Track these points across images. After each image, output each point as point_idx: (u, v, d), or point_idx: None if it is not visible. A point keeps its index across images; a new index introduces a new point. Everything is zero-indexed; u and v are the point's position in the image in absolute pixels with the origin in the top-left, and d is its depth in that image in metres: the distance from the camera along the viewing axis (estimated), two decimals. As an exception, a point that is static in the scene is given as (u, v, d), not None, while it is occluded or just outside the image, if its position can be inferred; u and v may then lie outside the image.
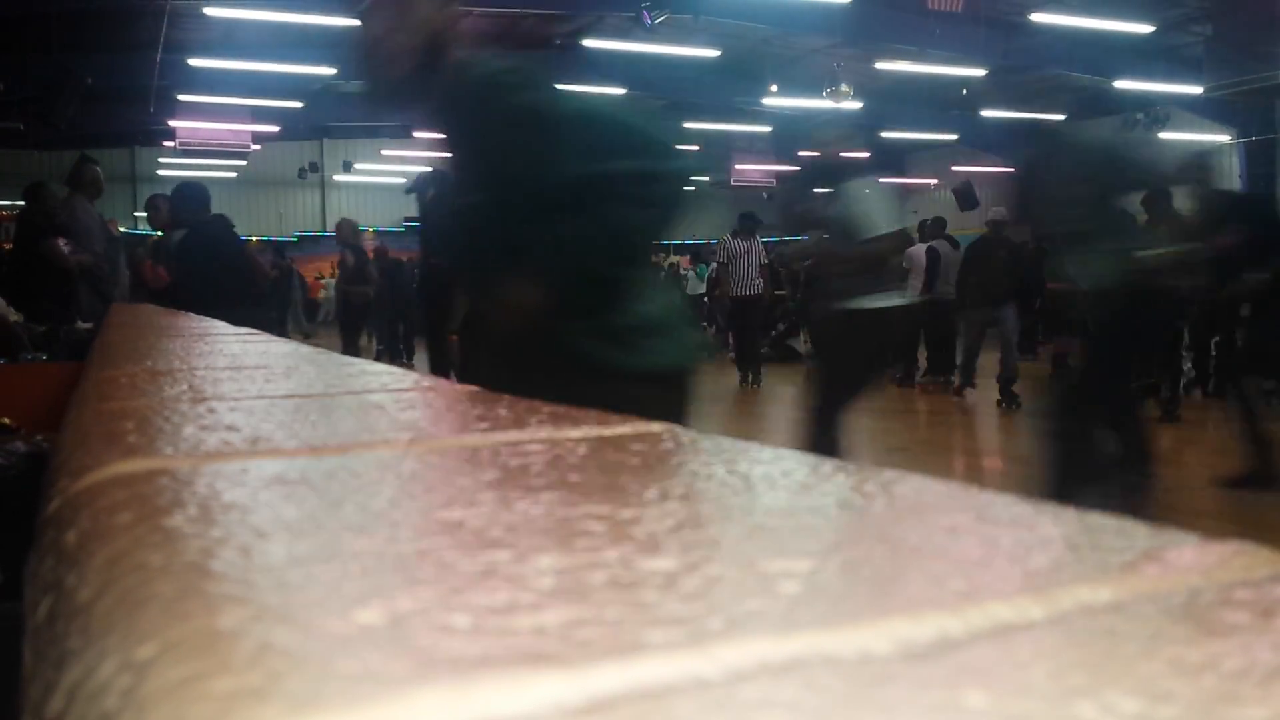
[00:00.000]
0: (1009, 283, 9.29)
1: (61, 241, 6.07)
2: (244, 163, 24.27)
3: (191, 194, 5.94)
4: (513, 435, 0.61)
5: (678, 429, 0.62)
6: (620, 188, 1.90)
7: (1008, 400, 8.63)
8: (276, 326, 10.36)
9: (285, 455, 0.55)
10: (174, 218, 6.16)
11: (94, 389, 0.91)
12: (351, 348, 11.15)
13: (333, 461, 0.52)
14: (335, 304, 11.62)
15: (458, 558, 0.33)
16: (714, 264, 13.84)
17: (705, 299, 16.42)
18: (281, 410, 0.74)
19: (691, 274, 18.48)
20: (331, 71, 17.47)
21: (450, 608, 0.28)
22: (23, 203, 6.71)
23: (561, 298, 1.95)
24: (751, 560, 0.33)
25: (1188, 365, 8.64)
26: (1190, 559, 0.33)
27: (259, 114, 20.62)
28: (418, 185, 7.01)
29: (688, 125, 21.91)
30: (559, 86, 2.02)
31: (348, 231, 11.87)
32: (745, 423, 8.61)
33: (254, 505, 0.42)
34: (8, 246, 6.69)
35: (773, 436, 6.76)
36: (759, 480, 0.48)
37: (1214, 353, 8.92)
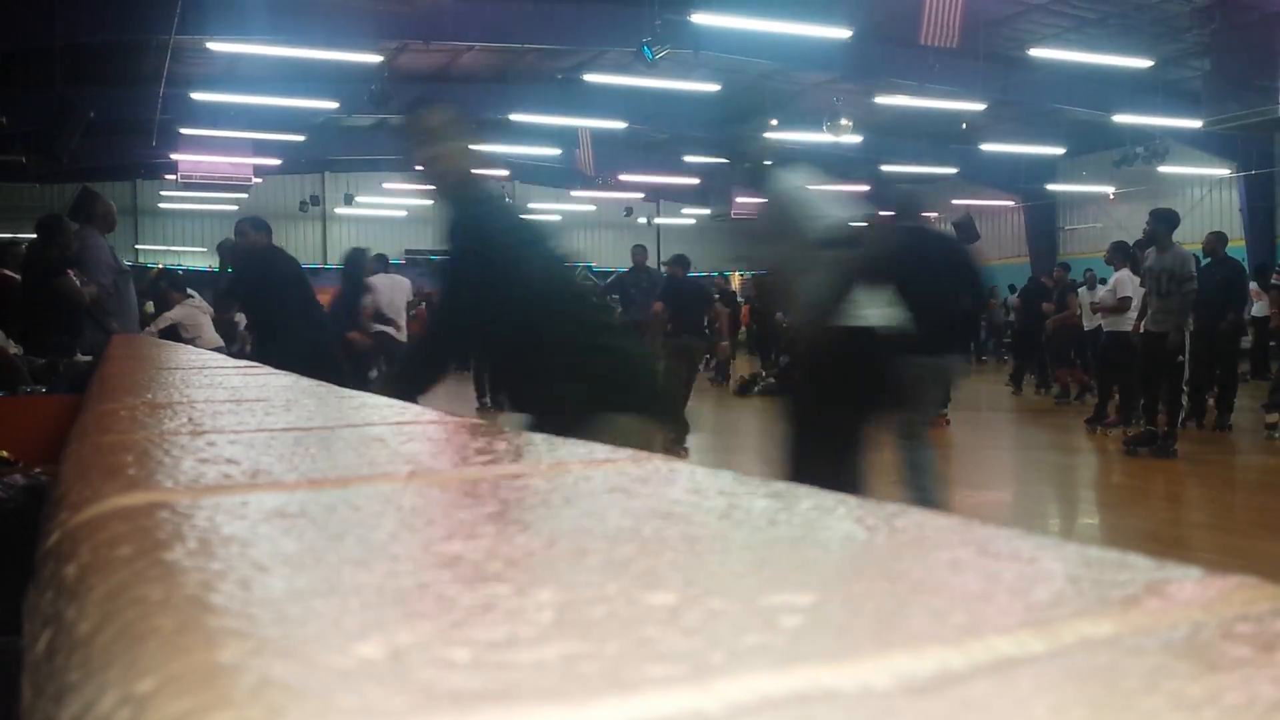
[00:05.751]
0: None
1: (73, 274, 6.08)
2: (245, 196, 24.37)
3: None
4: (512, 468, 0.61)
5: (678, 461, 0.62)
6: None
7: None
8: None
9: (285, 488, 0.55)
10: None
11: (94, 422, 0.91)
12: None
13: (333, 495, 0.52)
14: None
15: (458, 591, 0.33)
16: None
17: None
18: (281, 443, 0.74)
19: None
20: (333, 105, 17.58)
21: (450, 642, 0.28)
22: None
23: None
24: (752, 594, 0.33)
25: (1184, 400, 8.58)
26: (1191, 593, 0.33)
27: (260, 147, 20.73)
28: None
29: (688, 159, 22.06)
30: None
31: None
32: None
33: (254, 539, 0.42)
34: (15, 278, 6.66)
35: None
36: (760, 513, 0.48)
37: (1215, 388, 8.91)
